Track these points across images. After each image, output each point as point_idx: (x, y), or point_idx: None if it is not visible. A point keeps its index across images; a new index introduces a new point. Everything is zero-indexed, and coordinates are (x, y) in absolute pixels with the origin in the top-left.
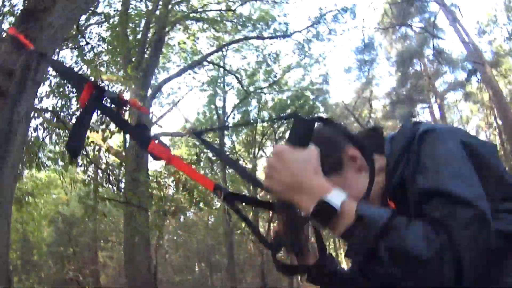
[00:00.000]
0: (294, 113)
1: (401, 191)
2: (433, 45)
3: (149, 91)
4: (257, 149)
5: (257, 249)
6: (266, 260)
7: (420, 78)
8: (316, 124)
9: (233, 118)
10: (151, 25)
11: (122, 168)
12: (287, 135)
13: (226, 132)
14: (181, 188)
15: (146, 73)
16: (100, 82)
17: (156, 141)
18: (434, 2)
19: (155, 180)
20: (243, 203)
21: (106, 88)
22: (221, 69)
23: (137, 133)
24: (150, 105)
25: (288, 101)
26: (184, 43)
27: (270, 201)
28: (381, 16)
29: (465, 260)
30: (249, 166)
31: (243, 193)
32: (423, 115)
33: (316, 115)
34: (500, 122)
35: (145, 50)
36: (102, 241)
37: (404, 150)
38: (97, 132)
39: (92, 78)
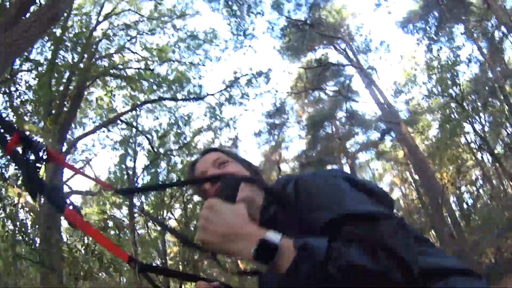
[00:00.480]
0: (223, 175)
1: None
2: (346, 107)
3: (64, 146)
4: (165, 211)
5: None
6: None
7: (331, 141)
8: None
9: (143, 179)
10: (73, 78)
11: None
12: (195, 197)
13: (135, 194)
14: (90, 253)
15: (63, 127)
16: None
17: (71, 207)
18: (351, 66)
19: (66, 243)
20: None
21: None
22: (134, 129)
23: (52, 196)
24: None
25: None
26: (102, 99)
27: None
28: (295, 80)
29: (407, 260)
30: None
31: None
32: None
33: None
34: (416, 177)
35: (65, 103)
36: None
37: (275, 197)
38: (13, 186)
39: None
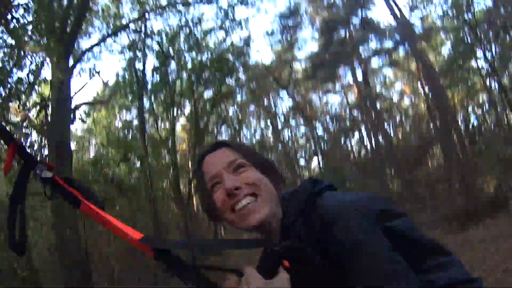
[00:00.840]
0: (267, 244)
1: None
2: (361, 14)
3: (71, 60)
4: (175, 110)
5: (181, 211)
6: (190, 221)
7: (344, 44)
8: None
9: (152, 81)
10: None
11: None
12: (205, 95)
13: (144, 93)
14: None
15: (69, 42)
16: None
17: (87, 201)
18: None
19: None
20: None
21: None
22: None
23: (68, 191)
24: (71, 75)
25: (208, 63)
26: (109, 7)
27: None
28: None
29: None
30: (167, 126)
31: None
32: (345, 77)
33: (236, 76)
34: (426, 90)
35: (70, 14)
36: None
37: (301, 212)
38: None
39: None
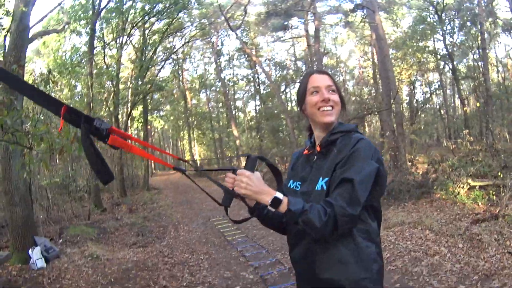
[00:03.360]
0: (247, 154)
1: (326, 148)
2: None
3: None
4: (125, 38)
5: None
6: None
7: None
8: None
9: (106, 6)
10: None
11: None
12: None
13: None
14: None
15: None
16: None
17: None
18: None
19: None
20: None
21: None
22: None
23: (96, 125)
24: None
25: None
26: None
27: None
28: None
29: (339, 229)
30: (115, 52)
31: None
32: (296, 29)
33: (191, 10)
34: (376, 60)
35: None
36: None
37: (345, 133)
38: None
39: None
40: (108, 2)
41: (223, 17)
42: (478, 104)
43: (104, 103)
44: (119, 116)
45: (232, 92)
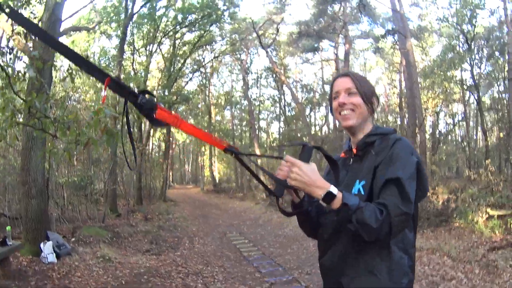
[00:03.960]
0: (303, 142)
1: (363, 151)
2: None
3: None
4: (155, 46)
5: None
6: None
7: (335, 20)
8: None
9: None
10: None
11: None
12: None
13: (130, 24)
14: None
15: None
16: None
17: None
18: None
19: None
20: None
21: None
22: None
23: (141, 102)
24: None
25: (198, 6)
26: None
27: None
28: None
29: (393, 231)
30: (144, 59)
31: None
32: (327, 51)
33: (223, 23)
34: (403, 86)
35: None
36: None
37: (383, 135)
38: None
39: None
40: (141, 7)
41: (255, 34)
42: (501, 135)
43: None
44: (142, 125)
45: (257, 112)
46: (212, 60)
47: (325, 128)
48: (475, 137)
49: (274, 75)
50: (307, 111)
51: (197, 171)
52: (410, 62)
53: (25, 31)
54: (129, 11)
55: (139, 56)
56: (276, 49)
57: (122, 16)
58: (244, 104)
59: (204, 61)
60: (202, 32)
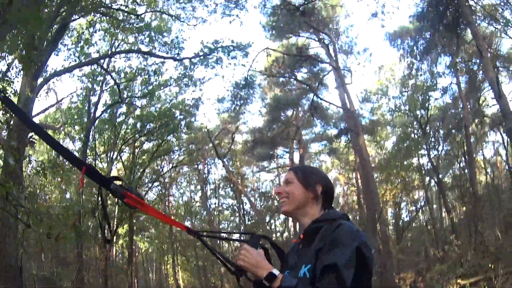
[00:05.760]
0: (251, 232)
1: (311, 236)
2: (312, 99)
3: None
4: (116, 153)
5: (103, 254)
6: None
7: (288, 125)
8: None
9: (103, 117)
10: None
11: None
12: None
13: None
14: None
15: (42, 60)
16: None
17: (130, 194)
18: (327, 65)
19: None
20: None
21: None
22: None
23: (113, 188)
24: (36, 95)
25: (156, 115)
26: (83, 33)
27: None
28: (271, 62)
29: None
30: (105, 166)
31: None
32: (282, 158)
33: (181, 133)
34: (360, 183)
35: (49, 33)
36: None
37: (329, 221)
38: None
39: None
40: (102, 112)
41: (211, 144)
42: (464, 208)
43: (92, 213)
44: (106, 230)
45: (217, 222)
46: (170, 170)
47: (285, 234)
48: (440, 218)
49: (231, 185)
50: (267, 218)
51: (161, 279)
52: (364, 159)
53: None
54: (92, 115)
55: (101, 162)
56: (233, 158)
57: (85, 119)
58: (204, 214)
59: (162, 171)
60: (160, 141)
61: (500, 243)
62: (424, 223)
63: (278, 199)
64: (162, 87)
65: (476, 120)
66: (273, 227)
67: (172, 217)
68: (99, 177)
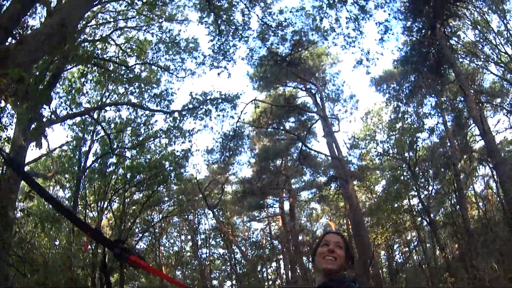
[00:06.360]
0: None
1: None
2: (301, 149)
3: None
4: (106, 203)
5: None
6: None
7: (278, 175)
8: None
9: (93, 167)
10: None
11: None
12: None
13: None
14: None
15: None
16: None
17: (134, 255)
18: (315, 114)
19: None
20: None
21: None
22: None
23: (118, 250)
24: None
25: (146, 166)
26: (74, 82)
27: None
28: (258, 113)
29: None
30: (95, 215)
31: None
32: (272, 207)
33: (171, 185)
34: (350, 229)
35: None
36: None
37: (340, 283)
38: None
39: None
40: (93, 162)
41: (201, 195)
42: (456, 245)
43: (83, 262)
44: (96, 280)
45: (208, 271)
46: (160, 220)
47: (278, 282)
48: (434, 256)
49: (222, 235)
50: (259, 267)
51: None
52: (354, 205)
53: None
54: (82, 164)
55: (91, 212)
56: (223, 208)
57: (76, 168)
58: (195, 264)
59: (153, 221)
60: (150, 192)
61: (497, 274)
62: (418, 263)
63: (325, 255)
64: (152, 139)
65: (465, 157)
66: (265, 275)
67: (163, 268)
68: (105, 241)
